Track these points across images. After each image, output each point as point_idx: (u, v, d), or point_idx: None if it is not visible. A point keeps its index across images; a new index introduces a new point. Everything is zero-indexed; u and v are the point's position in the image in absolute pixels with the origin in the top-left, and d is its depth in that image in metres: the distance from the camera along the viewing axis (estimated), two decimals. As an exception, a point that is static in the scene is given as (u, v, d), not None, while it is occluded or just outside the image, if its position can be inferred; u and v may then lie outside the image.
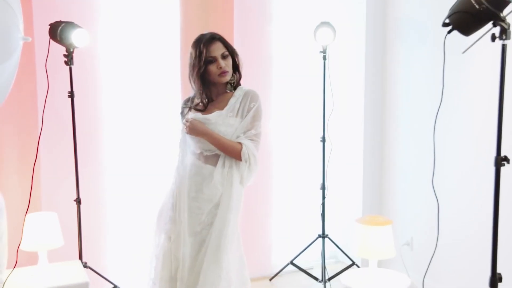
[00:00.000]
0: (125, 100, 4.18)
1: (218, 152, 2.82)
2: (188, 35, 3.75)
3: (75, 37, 3.39)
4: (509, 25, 2.34)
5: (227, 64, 2.83)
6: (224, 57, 2.81)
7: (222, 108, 2.89)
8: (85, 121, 3.83)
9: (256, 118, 2.89)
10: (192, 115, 2.89)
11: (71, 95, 3.61)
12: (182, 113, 3.03)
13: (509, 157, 2.46)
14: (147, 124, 4.25)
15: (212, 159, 2.84)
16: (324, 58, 4.33)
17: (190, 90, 2.97)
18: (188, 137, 2.89)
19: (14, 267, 3.08)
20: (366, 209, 4.68)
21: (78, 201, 3.71)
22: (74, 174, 3.69)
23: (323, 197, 4.49)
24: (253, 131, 2.87)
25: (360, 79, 4.69)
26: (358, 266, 4.52)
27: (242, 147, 2.78)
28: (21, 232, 3.29)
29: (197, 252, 2.82)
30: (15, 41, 2.11)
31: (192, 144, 2.90)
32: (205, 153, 2.85)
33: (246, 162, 2.80)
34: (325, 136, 4.45)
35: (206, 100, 2.89)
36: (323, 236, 4.53)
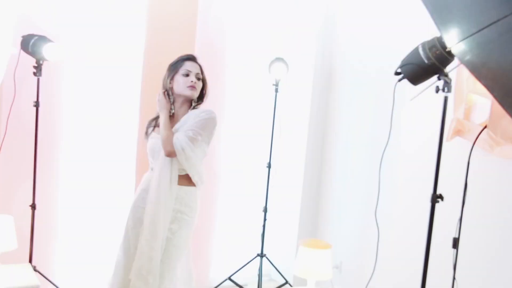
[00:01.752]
0: (87, 113, 3.95)
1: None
2: (151, 57, 3.84)
3: (46, 50, 3.27)
4: (451, 80, 2.54)
5: (198, 84, 2.93)
6: (198, 78, 2.93)
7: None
8: (48, 131, 3.63)
9: (201, 125, 2.84)
10: (152, 134, 2.96)
11: (37, 104, 3.42)
12: (146, 133, 3.03)
13: (443, 195, 2.72)
14: (104, 138, 4.02)
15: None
16: (276, 90, 4.17)
17: (148, 108, 3.46)
18: None
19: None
20: (301, 233, 4.56)
21: (33, 206, 3.52)
22: (31, 180, 3.49)
23: (265, 219, 4.28)
24: (190, 132, 2.79)
25: (305, 112, 4.51)
26: (290, 285, 4.43)
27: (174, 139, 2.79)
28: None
29: None
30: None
31: None
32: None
33: (182, 151, 2.76)
34: (271, 162, 4.26)
35: (173, 111, 2.94)
36: (262, 255, 4.31)
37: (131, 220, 2.95)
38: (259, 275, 4.24)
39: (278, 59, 4.07)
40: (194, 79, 2.89)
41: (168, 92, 2.95)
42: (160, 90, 2.98)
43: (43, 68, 3.37)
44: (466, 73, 3.21)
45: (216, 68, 4.08)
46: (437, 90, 2.58)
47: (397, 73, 2.65)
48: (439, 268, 3.30)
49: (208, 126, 2.88)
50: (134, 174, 3.90)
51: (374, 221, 3.58)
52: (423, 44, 2.55)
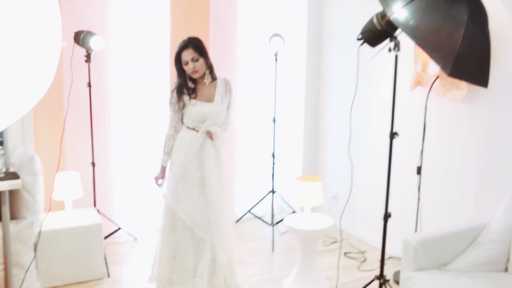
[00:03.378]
0: (128, 89, 4.32)
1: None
2: (176, 38, 3.91)
3: (93, 42, 3.61)
4: (399, 41, 2.69)
5: (196, 65, 2.97)
6: (195, 60, 2.97)
7: (210, 94, 3.05)
8: (99, 105, 4.01)
9: (231, 108, 3.19)
10: (193, 101, 3.03)
11: (89, 85, 3.81)
12: (179, 99, 3.07)
13: (398, 132, 2.91)
14: (145, 107, 4.41)
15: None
16: (276, 60, 4.42)
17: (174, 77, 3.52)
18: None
19: (48, 211, 3.49)
20: (304, 171, 4.93)
21: (93, 163, 3.93)
22: (90, 144, 3.92)
23: (273, 163, 4.59)
24: (227, 123, 3.18)
25: (302, 75, 4.79)
26: (297, 214, 4.77)
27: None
28: (53, 186, 3.62)
29: None
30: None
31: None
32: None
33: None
34: (275, 117, 4.56)
35: (194, 86, 3.06)
36: (273, 191, 4.64)
37: (183, 181, 3.08)
38: (272, 207, 4.62)
39: (276, 34, 4.34)
40: (191, 65, 2.97)
41: (186, 79, 3.08)
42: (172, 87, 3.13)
43: (92, 56, 3.72)
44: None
45: (227, 43, 4.50)
46: (390, 50, 2.75)
47: (358, 39, 2.82)
48: (407, 191, 3.73)
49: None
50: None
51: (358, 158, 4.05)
52: (376, 14, 2.73)
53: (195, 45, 3.00)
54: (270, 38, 4.35)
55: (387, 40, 2.77)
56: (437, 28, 2.61)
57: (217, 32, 4.44)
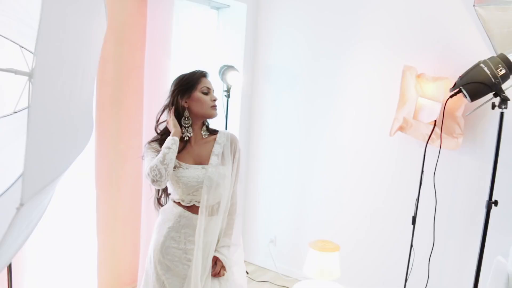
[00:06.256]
0: None
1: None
2: (104, 68, 2.93)
3: None
4: (508, 98, 2.26)
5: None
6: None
7: (203, 153, 2.10)
8: None
9: (238, 180, 2.21)
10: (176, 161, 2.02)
11: None
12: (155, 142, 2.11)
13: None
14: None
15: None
16: (228, 96, 3.52)
17: (103, 119, 3.00)
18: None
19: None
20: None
21: None
22: None
23: None
24: (235, 205, 2.19)
25: (237, 106, 3.89)
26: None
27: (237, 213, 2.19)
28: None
29: None
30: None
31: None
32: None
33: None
34: None
35: (191, 134, 2.09)
36: None
37: (161, 263, 2.06)
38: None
39: (230, 67, 3.44)
40: (215, 97, 2.09)
41: (181, 113, 2.07)
42: (168, 112, 2.07)
43: None
44: (413, 80, 3.20)
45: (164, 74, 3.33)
46: (493, 107, 2.35)
47: (455, 91, 2.41)
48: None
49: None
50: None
51: (301, 202, 3.82)
52: (486, 63, 2.30)
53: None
54: (224, 70, 3.45)
55: (490, 95, 2.39)
56: None
57: (153, 61, 3.21)
